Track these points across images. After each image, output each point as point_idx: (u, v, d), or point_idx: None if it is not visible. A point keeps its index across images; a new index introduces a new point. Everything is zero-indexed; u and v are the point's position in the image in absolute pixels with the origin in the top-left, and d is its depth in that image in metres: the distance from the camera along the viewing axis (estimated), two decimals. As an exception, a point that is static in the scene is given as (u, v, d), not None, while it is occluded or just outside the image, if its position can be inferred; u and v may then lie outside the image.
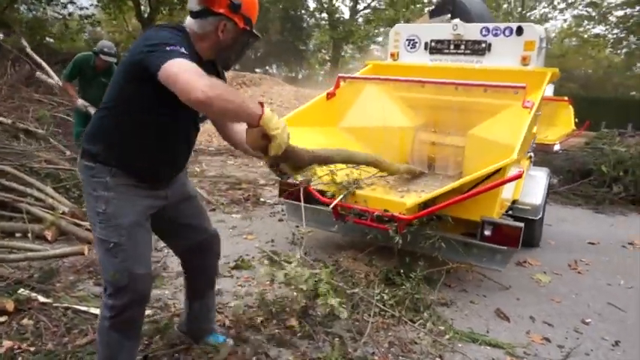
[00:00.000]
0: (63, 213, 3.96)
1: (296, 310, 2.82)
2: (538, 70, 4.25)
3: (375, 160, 3.56)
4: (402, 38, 4.98)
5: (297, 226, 4.35)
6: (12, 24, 16.62)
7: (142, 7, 17.90)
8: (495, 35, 4.48)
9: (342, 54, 27.91)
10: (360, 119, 4.38)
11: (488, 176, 3.04)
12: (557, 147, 8.62)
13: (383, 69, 4.96)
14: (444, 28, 4.70)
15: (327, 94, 4.30)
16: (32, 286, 2.86)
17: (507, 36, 4.41)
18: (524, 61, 4.34)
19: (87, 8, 16.31)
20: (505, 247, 3.15)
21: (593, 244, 4.78)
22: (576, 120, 8.61)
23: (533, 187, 4.32)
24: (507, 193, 3.76)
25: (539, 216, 4.22)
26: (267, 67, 27.89)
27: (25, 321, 2.51)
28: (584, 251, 4.52)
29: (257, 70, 26.92)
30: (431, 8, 6.89)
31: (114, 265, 1.81)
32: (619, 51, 25.89)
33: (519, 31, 4.36)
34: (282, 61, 26.75)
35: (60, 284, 3.02)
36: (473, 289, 3.39)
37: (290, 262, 3.45)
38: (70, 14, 15.73)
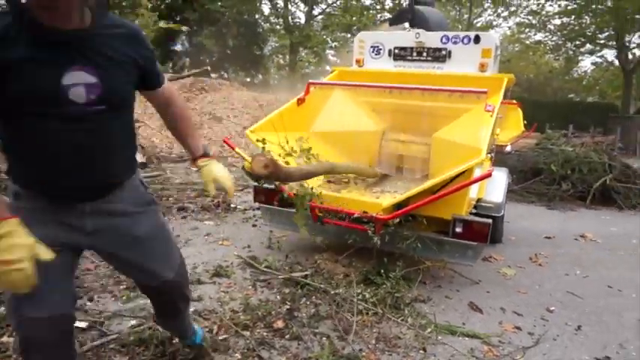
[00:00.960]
0: None
1: (281, 312, 2.88)
2: (495, 76, 4.52)
3: (355, 168, 3.71)
4: (366, 45, 5.15)
5: (271, 231, 4.40)
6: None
7: None
8: (455, 43, 4.73)
9: (299, 59, 28.08)
10: (329, 124, 4.50)
11: (457, 176, 3.24)
12: (509, 148, 9.10)
13: (349, 75, 5.10)
14: (407, 36, 4.91)
15: (298, 99, 4.38)
16: None
17: (466, 44, 4.67)
18: (482, 67, 4.61)
19: None
20: (475, 243, 3.34)
21: (549, 238, 5.12)
22: (525, 122, 9.16)
23: (495, 186, 4.56)
24: (473, 192, 3.99)
25: (502, 213, 4.47)
26: (222, 72, 27.57)
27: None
28: (542, 245, 4.83)
29: (212, 75, 26.60)
30: (389, 16, 7.12)
31: (7, 302, 1.51)
32: (558, 57, 27.58)
33: (477, 39, 4.63)
34: (238, 66, 26.57)
35: None
36: (446, 285, 3.57)
37: (270, 268, 3.53)
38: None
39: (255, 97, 11.77)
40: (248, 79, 29.96)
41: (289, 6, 24.87)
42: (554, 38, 25.12)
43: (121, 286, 3.17)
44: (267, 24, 26.34)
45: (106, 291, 3.10)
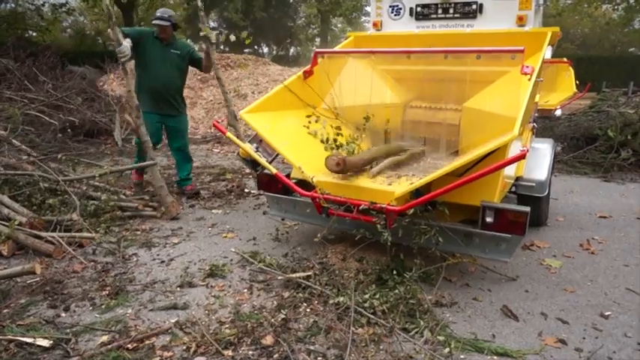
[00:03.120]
0: (20, 224, 3.57)
1: (274, 324, 2.47)
2: (536, 30, 3.81)
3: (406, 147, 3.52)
4: (384, 5, 4.52)
5: (283, 219, 3.99)
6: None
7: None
8: (487, -6, 4.02)
9: (332, 28, 27.08)
10: (343, 98, 3.96)
11: (487, 155, 2.66)
12: (559, 112, 8.18)
13: (365, 40, 4.52)
14: (430, -9, 4.22)
15: (304, 72, 3.86)
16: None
17: (500, -6, 3.95)
18: (521, 21, 3.90)
19: (61, -4, 15.64)
20: (510, 235, 2.78)
21: (605, 217, 4.41)
22: (577, 82, 8.15)
23: (537, 160, 3.92)
24: (510, 169, 3.39)
25: (546, 192, 3.83)
26: (255, 47, 27.09)
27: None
28: (596, 227, 4.15)
29: (246, 50, 26.19)
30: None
31: None
32: (617, 6, 24.99)
33: (514, -13, 3.90)
34: (271, 39, 25.94)
35: (8, 310, 2.66)
36: (476, 283, 3.03)
37: (269, 266, 3.12)
38: (43, 4, 15.06)
39: (281, 72, 11.27)
40: (282, 53, 29.35)
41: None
42: (613, -14, 22.71)
43: (104, 292, 2.87)
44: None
45: (86, 298, 2.80)
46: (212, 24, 27.56)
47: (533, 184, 3.78)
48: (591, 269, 3.27)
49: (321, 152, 3.45)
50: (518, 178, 3.77)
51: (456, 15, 4.22)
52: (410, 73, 4.06)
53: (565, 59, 8.55)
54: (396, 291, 2.65)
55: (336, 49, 4.32)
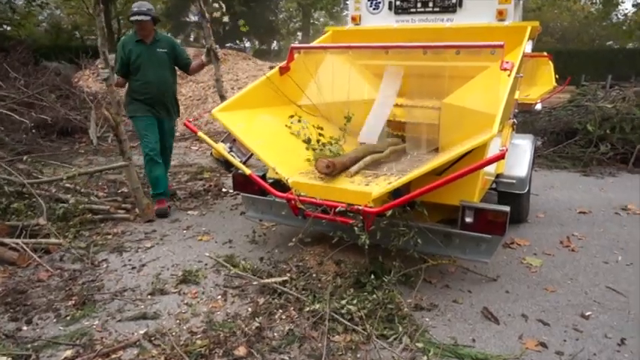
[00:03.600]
0: (-18, 230, 3.40)
1: (248, 333, 2.37)
2: (516, 24, 3.76)
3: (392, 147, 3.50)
4: (362, -1, 4.41)
5: (261, 220, 3.87)
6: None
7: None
8: (467, -12, 3.94)
9: (314, 22, 26.86)
10: (322, 95, 3.86)
11: (468, 152, 2.59)
12: (539, 106, 8.17)
13: (344, 35, 4.41)
14: (409, -16, 4.13)
15: (280, 68, 3.74)
16: None
17: (480, -12, 3.88)
18: (501, 15, 3.83)
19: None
20: (490, 236, 2.72)
21: (584, 213, 4.40)
22: (556, 76, 8.17)
23: (517, 157, 3.88)
24: (490, 167, 3.33)
25: (526, 189, 3.80)
26: (237, 42, 26.72)
27: None
28: (576, 223, 4.14)
29: (227, 44, 25.79)
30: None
31: None
32: (595, 0, 25.29)
33: (493, -19, 3.83)
34: (252, 34, 25.62)
35: (-35, 324, 2.50)
36: (456, 284, 2.97)
37: (244, 271, 3.02)
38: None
39: (260, 67, 11.09)
40: (264, 47, 29.01)
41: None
42: (591, -20, 22.93)
43: (70, 302, 2.73)
44: (280, -14, 25.11)
45: (51, 309, 2.66)
46: (193, 18, 27.10)
47: (514, 181, 3.74)
48: (571, 267, 3.24)
49: (298, 152, 3.36)
50: (498, 175, 3.73)
51: (435, 9, 4.14)
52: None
53: (545, 53, 8.57)
54: (374, 296, 2.57)
55: (313, 44, 4.20)
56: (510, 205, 3.89)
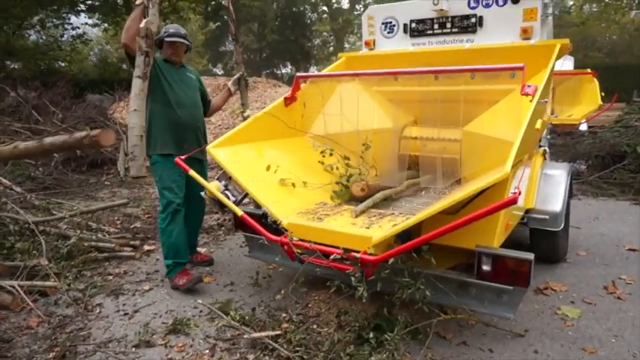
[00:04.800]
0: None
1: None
2: (543, 43, 3.40)
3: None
4: (376, 23, 4.20)
5: (269, 265, 3.61)
6: (19, 50, 16.61)
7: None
8: (486, 7, 3.66)
9: (350, 46, 26.99)
10: (331, 125, 3.63)
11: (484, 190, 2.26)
12: (583, 126, 7.61)
13: (357, 61, 4.20)
14: (424, 5, 3.87)
15: (285, 99, 3.54)
16: None
17: (501, 5, 3.60)
18: (525, 34, 3.50)
19: (78, 28, 16.01)
20: (511, 287, 2.34)
21: (634, 250, 3.87)
22: (603, 94, 7.59)
23: (551, 189, 3.46)
24: (518, 201, 2.95)
25: (562, 226, 3.36)
26: (273, 69, 27.19)
27: None
28: (624, 263, 3.62)
29: (264, 71, 26.31)
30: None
31: None
32: (646, 12, 23.93)
33: (515, -2, 3.52)
34: (288, 60, 26.03)
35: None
36: (475, 341, 2.58)
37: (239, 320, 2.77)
38: (62, 36, 15.46)
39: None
40: (301, 73, 29.34)
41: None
42: (640, -9, 21.74)
43: (51, 354, 2.56)
44: (315, 14, 25.46)
45: (30, 363, 2.50)
46: (230, 47, 27.88)
47: (547, 217, 3.32)
48: (616, 320, 2.77)
49: (298, 189, 3.11)
50: (528, 211, 3.33)
51: (454, 30, 3.85)
52: (406, 95, 3.70)
53: (588, 70, 8.01)
54: (372, 358, 2.23)
55: (323, 72, 4.00)
56: (544, 244, 3.53)
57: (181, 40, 3.57)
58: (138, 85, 2.87)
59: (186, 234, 3.53)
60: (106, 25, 16.92)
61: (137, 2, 3.18)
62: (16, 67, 17.24)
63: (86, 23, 17.14)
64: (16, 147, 3.35)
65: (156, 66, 3.41)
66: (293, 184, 3.03)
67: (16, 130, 8.03)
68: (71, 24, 16.55)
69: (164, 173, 3.43)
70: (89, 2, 15.66)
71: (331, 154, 3.29)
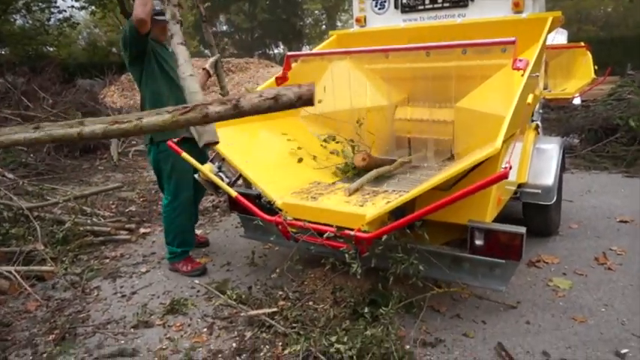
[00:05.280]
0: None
1: (227, 376, 2.14)
2: (535, 16, 3.37)
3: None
4: (367, -1, 4.13)
5: (264, 244, 3.64)
6: (6, 36, 16.29)
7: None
8: (478, -21, 3.59)
9: (343, 25, 26.64)
10: (324, 104, 3.61)
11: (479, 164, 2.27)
12: (577, 100, 7.59)
13: (349, 38, 4.15)
14: (415, -21, 3.82)
15: (277, 78, 3.52)
16: None
17: (493, -22, 3.52)
18: (517, 7, 3.48)
19: (65, 11, 15.67)
20: (503, 261, 2.37)
21: (625, 222, 3.92)
22: (596, 67, 7.56)
23: (543, 164, 3.48)
24: (511, 175, 2.97)
25: (554, 199, 3.39)
26: (266, 50, 26.83)
27: None
28: (615, 234, 3.67)
29: (257, 52, 25.96)
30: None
31: None
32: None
33: (507, -31, 3.47)
34: (280, 40, 25.67)
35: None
36: (469, 313, 2.63)
37: (235, 299, 2.81)
38: (48, 20, 15.15)
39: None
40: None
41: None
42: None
43: (51, 336, 2.59)
44: (305, -9, 25.04)
45: (30, 344, 2.53)
46: (223, 27, 27.42)
47: (539, 191, 3.35)
48: (607, 290, 2.82)
49: (292, 169, 3.12)
50: (521, 185, 3.35)
51: (445, 4, 3.81)
52: (398, 72, 3.68)
53: (582, 43, 7.97)
54: (368, 332, 2.27)
55: (315, 50, 3.96)
56: (537, 218, 3.57)
57: (164, 18, 2.96)
58: (184, 52, 2.76)
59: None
60: (93, 7, 16.57)
61: None
62: (2, 52, 16.96)
63: (72, 6, 16.78)
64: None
65: (152, 48, 3.22)
66: (300, 159, 3.06)
67: (5, 117, 7.92)
68: (58, 7, 16.23)
69: (178, 161, 3.12)
70: (76, -16, 15.35)
71: (335, 140, 3.35)
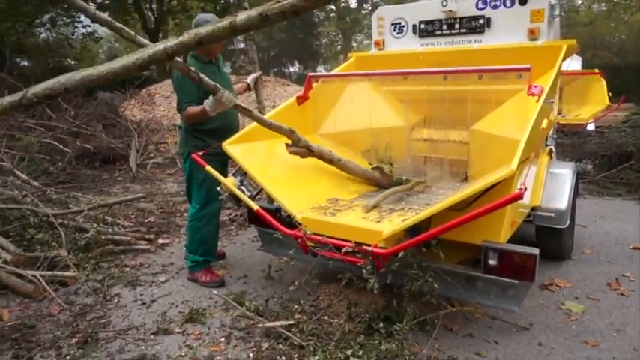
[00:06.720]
0: (5, 261, 3.47)
1: (244, 385, 2.20)
2: (550, 44, 3.47)
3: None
4: (386, 23, 4.28)
5: (281, 258, 3.71)
6: (30, 49, 16.85)
7: (148, 18, 17.70)
8: (494, 8, 3.73)
9: (358, 45, 27.05)
10: (343, 123, 3.74)
11: (494, 186, 2.35)
12: (591, 126, 7.62)
13: (367, 61, 4.28)
14: (433, 6, 3.95)
15: (298, 97, 3.66)
16: None
17: (509, 7, 3.66)
18: (532, 34, 3.57)
19: (89, 26, 16.18)
20: (516, 281, 2.43)
21: (638, 249, 3.93)
22: (610, 94, 7.62)
23: (556, 187, 3.54)
24: (524, 198, 3.04)
25: (567, 223, 3.43)
26: (281, 68, 27.29)
27: None
28: (628, 261, 3.69)
29: (272, 69, 26.41)
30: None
31: None
32: (656, 11, 23.81)
33: (522, 0, 3.59)
34: (295, 59, 26.12)
35: (-31, 361, 2.51)
36: (481, 333, 2.68)
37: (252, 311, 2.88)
38: (73, 34, 15.65)
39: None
40: (309, 72, 29.46)
41: (343, -9, 23.83)
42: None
43: (74, 339, 2.68)
44: (323, 12, 25.53)
45: (54, 346, 2.62)
46: (240, 45, 27.98)
47: (552, 215, 3.40)
48: (619, 315, 2.85)
49: (311, 185, 3.22)
50: (534, 208, 3.41)
51: (462, 30, 3.93)
52: (415, 94, 3.78)
53: (596, 70, 8.04)
54: (382, 347, 2.33)
55: (334, 72, 4.10)
56: (550, 241, 3.61)
57: None
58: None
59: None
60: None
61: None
62: (26, 64, 17.48)
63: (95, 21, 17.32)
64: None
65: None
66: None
67: (29, 127, 8.18)
68: (82, 22, 16.78)
69: (203, 177, 3.25)
70: (99, 1, 15.84)
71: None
